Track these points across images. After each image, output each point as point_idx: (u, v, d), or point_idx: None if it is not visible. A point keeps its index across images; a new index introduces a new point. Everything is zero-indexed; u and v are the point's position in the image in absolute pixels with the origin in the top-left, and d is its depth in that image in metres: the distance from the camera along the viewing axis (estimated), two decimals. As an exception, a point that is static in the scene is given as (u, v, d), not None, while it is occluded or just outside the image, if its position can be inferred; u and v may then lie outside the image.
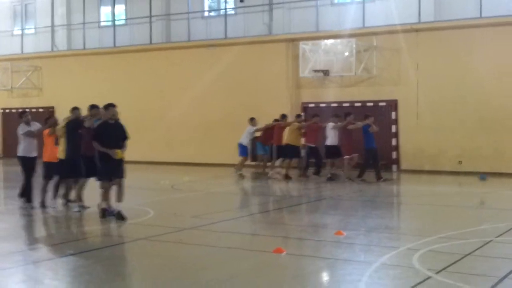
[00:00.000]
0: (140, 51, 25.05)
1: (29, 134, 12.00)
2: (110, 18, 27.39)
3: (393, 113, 20.59)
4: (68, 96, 24.81)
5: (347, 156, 17.23)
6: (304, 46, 21.32)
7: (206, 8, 25.49)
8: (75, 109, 11.91)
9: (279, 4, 23.01)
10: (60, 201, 12.17)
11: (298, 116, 18.85)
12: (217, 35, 23.93)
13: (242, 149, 19.07)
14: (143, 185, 16.29)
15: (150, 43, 25.07)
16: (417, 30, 20.17)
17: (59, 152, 11.72)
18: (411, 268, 7.15)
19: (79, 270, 7.34)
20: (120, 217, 10.44)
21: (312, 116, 18.76)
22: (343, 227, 9.74)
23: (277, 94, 22.08)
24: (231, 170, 19.29)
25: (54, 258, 8.14)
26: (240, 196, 15.81)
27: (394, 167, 20.39)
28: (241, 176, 18.37)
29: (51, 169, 11.91)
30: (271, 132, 18.58)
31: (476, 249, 8.11)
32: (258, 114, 22.34)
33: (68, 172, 11.59)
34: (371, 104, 21.01)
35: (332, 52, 21.02)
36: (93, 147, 10.69)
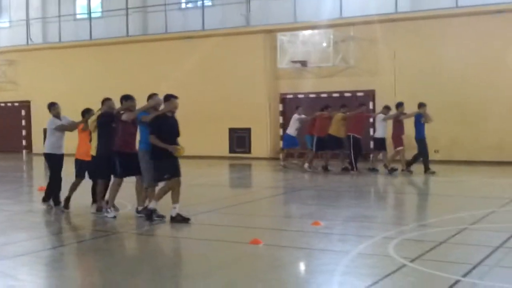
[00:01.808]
0: (116, 43, 24.86)
1: (61, 129, 10.82)
2: (86, 11, 27.11)
3: (371, 103, 20.68)
4: (44, 90, 24.62)
5: (400, 148, 16.54)
6: (282, 37, 21.32)
7: (183, -1, 25.36)
8: (107, 100, 10.45)
9: (256, -5, 22.96)
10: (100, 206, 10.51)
11: (343, 106, 17.72)
12: (195, 26, 23.81)
13: (288, 139, 18.51)
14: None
15: (127, 35, 24.89)
16: (393, 20, 20.26)
17: (92, 149, 10.42)
18: (386, 256, 7.20)
19: (53, 265, 7.30)
20: (182, 219, 9.49)
21: (359, 105, 17.83)
22: (321, 217, 9.77)
23: (255, 86, 22.06)
24: (210, 162, 19.23)
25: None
26: (220, 188, 15.79)
27: (371, 156, 20.46)
28: (285, 168, 18.25)
29: (83, 167, 10.73)
30: (313, 123, 17.76)
31: (451, 237, 8.19)
32: (236, 105, 22.35)
33: (100, 171, 10.24)
34: (349, 94, 21.10)
35: (309, 43, 21.04)
36: (131, 143, 9.89)
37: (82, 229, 9.85)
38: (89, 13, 26.70)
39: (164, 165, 9.42)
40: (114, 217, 9.91)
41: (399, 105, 16.76)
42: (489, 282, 6.16)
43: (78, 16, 27.32)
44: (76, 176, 10.91)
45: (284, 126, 22.06)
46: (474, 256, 7.11)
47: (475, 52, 19.10)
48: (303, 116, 18.28)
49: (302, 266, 7.32)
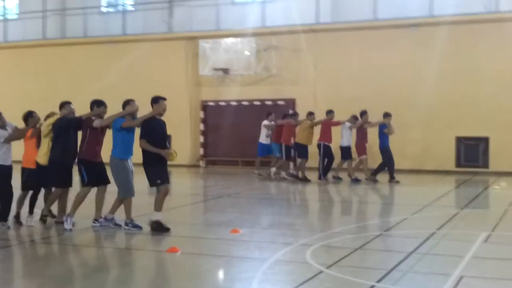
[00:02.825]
0: (33, 46, 24.05)
1: (10, 139, 9.50)
2: (1, 12, 26.11)
3: (291, 112, 20.89)
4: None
5: (363, 156, 16.62)
6: (204, 45, 21.29)
7: (104, 3, 24.86)
8: (67, 104, 9.74)
9: (179, 1, 22.81)
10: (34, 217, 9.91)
11: (311, 113, 17.36)
12: (116, 31, 23.39)
13: (261, 148, 17.91)
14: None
15: (44, 38, 24.13)
16: (315, 31, 20.62)
17: (39, 156, 9.64)
18: (303, 263, 7.24)
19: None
20: (163, 228, 9.13)
21: (327, 112, 17.27)
22: (240, 225, 9.74)
23: (176, 92, 21.85)
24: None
25: None
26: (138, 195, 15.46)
27: (291, 164, 20.69)
28: (261, 176, 17.53)
29: (32, 177, 9.74)
30: (280, 130, 17.38)
31: (366, 243, 8.34)
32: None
33: (57, 179, 9.57)
34: (270, 102, 21.28)
35: (232, 50, 21.12)
36: (99, 152, 9.32)
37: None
38: (4, 14, 25.73)
39: (155, 171, 9.05)
40: (70, 229, 9.28)
41: (363, 113, 16.78)
42: (402, 287, 6.29)
43: (-8, 17, 26.30)
44: (24, 187, 9.87)
45: (206, 133, 22.02)
46: (388, 262, 7.26)
47: (394, 63, 19.70)
48: (269, 122, 17.73)
49: (220, 274, 7.25)
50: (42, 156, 9.65)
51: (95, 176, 9.43)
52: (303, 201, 14.70)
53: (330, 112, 16.84)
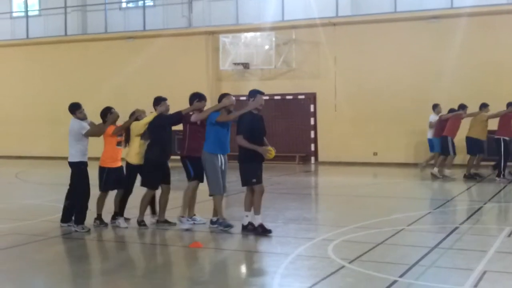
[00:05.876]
0: (55, 42, 24.28)
1: (90, 134, 9.17)
2: (23, 9, 26.37)
3: (312, 106, 20.91)
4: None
5: None
6: (224, 39, 21.31)
7: (124, -1, 25.01)
8: (163, 100, 9.37)
9: (199, -4, 22.87)
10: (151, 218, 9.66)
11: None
12: (136, 27, 23.51)
13: (431, 143, 16.40)
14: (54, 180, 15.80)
15: (66, 34, 24.34)
16: (334, 24, 20.55)
17: (130, 156, 9.33)
18: (326, 258, 7.26)
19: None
20: (266, 230, 8.63)
21: (507, 104, 15.36)
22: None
23: (197, 87, 21.40)
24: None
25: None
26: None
27: (312, 159, 20.75)
28: (434, 176, 15.62)
29: (114, 176, 9.28)
30: (444, 124, 15.75)
31: (388, 238, 8.33)
32: (177, 107, 22.11)
33: (152, 179, 9.24)
34: (291, 97, 21.27)
35: (252, 45, 21.11)
36: (202, 147, 8.87)
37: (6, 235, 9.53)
38: (26, 11, 25.97)
39: (251, 169, 8.58)
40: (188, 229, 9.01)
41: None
42: (425, 282, 6.28)
43: (14, 14, 26.54)
44: (105, 188, 9.38)
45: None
46: (410, 257, 7.26)
47: (413, 56, 19.55)
48: (436, 116, 16.26)
49: (243, 269, 7.31)
50: (134, 155, 9.29)
51: (200, 171, 9.09)
52: (323, 196, 14.65)
53: (511, 105, 15.33)
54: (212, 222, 9.08)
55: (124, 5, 24.94)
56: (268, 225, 8.78)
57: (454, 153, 15.54)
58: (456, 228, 9.04)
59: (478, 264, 6.80)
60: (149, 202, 9.50)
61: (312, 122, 20.85)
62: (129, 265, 7.49)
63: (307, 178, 16.60)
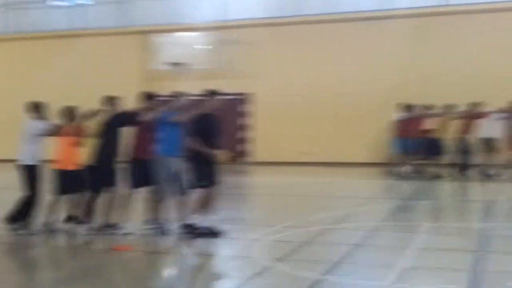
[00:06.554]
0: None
1: (47, 134, 8.78)
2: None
3: (248, 106, 20.92)
4: None
5: None
6: (158, 39, 21.04)
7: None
8: (116, 99, 8.88)
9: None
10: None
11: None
12: (62, 26, 22.92)
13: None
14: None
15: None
16: (275, 25, 20.58)
17: (86, 157, 8.84)
18: (251, 258, 7.26)
19: None
20: (214, 233, 8.37)
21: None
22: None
23: (129, 87, 21.17)
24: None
25: None
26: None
27: (245, 159, 20.76)
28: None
29: (70, 180, 8.70)
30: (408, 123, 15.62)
31: (314, 237, 8.42)
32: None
33: (104, 181, 8.72)
34: (231, 97, 21.17)
35: (187, 44, 20.91)
36: (147, 149, 8.42)
37: None
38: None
39: (201, 171, 8.24)
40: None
41: None
42: (349, 280, 6.36)
43: None
44: (60, 192, 8.79)
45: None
46: (335, 255, 7.34)
47: (354, 57, 19.66)
48: None
49: (167, 271, 7.24)
50: (90, 156, 8.78)
51: (143, 177, 8.56)
52: (253, 196, 14.67)
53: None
54: (147, 223, 8.72)
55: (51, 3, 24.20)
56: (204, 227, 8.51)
57: (414, 153, 15.52)
58: (378, 225, 9.23)
59: (398, 260, 6.95)
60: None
61: (248, 122, 20.85)
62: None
63: (240, 178, 16.57)
